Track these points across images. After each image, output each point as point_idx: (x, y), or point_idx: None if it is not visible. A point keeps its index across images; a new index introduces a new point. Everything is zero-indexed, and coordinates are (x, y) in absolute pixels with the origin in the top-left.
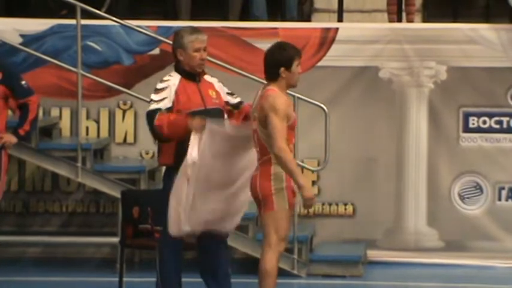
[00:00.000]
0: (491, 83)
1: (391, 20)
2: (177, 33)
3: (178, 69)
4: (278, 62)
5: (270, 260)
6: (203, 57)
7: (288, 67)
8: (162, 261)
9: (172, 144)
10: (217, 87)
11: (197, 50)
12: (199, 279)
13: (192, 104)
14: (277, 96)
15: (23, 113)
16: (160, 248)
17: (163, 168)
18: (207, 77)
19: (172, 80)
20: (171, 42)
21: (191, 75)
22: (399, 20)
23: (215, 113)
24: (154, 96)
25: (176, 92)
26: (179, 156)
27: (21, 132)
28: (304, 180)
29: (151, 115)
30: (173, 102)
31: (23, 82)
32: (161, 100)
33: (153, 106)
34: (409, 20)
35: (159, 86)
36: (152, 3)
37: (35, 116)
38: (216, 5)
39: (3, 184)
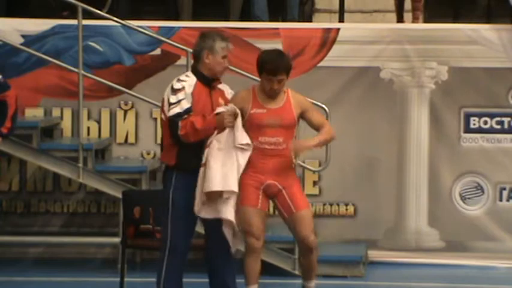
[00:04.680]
0: (493, 84)
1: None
2: (208, 36)
3: (197, 71)
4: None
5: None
6: (226, 65)
7: (260, 73)
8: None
9: (175, 145)
10: (227, 93)
11: (224, 57)
12: (200, 279)
13: (202, 109)
14: (236, 93)
15: (2, 110)
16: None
17: (163, 166)
18: (219, 85)
19: (189, 81)
20: (172, 42)
21: (207, 80)
22: (400, 21)
23: None
24: (172, 98)
25: (192, 94)
26: (182, 158)
27: (4, 130)
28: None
29: (174, 121)
30: (191, 103)
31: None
32: (178, 102)
33: (173, 111)
34: (414, 21)
35: (176, 85)
36: (153, 3)
37: (14, 110)
38: (217, 5)
39: None
